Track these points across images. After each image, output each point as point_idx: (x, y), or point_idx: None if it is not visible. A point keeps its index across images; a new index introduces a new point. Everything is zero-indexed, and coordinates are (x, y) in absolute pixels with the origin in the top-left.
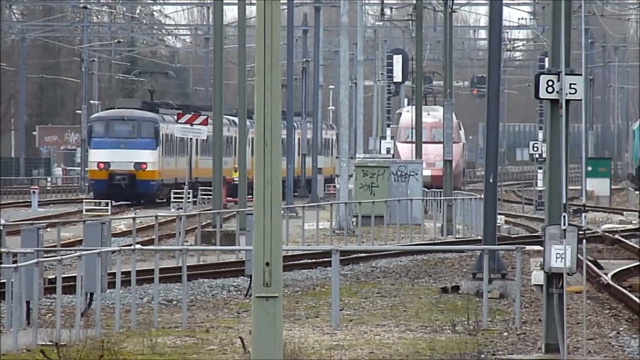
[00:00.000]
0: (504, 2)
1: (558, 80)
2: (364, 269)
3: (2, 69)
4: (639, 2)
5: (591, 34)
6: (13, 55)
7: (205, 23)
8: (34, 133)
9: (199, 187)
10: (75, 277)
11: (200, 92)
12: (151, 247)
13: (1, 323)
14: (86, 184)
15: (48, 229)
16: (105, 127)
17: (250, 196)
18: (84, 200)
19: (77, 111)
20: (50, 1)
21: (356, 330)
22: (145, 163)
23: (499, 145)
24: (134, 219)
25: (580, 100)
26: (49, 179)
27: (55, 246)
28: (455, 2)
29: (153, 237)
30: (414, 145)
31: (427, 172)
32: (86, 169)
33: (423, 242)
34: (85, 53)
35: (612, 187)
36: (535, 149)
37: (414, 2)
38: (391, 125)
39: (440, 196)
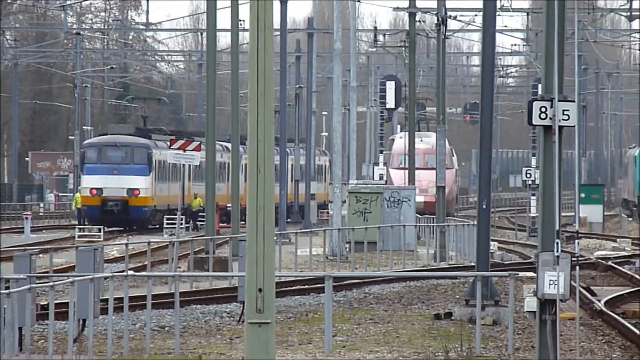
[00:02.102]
0: (496, 28)
1: (551, 107)
2: (356, 295)
3: None
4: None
5: (584, 60)
6: (6, 81)
7: (198, 49)
8: (26, 159)
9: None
10: (67, 303)
11: (194, 118)
12: (144, 273)
13: None
14: (76, 209)
15: (41, 255)
16: (98, 153)
17: (243, 222)
18: (77, 226)
19: (69, 137)
20: (43, 27)
21: (349, 357)
22: (138, 189)
23: (492, 172)
24: (126, 245)
25: (573, 126)
26: (41, 204)
27: (47, 272)
28: (448, 28)
29: (145, 263)
30: (406, 171)
31: (420, 198)
32: (75, 194)
33: (416, 268)
34: (78, 79)
35: (605, 213)
36: (528, 175)
37: (407, 28)
38: (384, 152)
39: (433, 222)
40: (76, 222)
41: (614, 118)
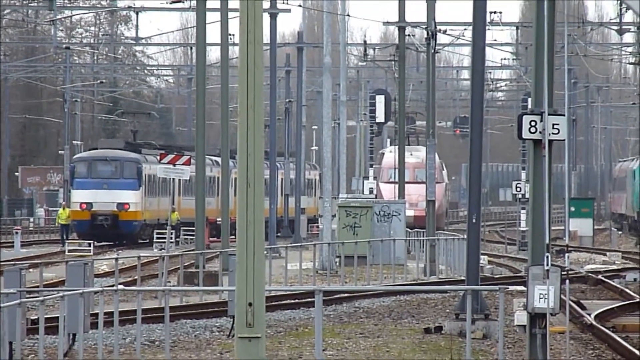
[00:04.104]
0: (486, 42)
1: (541, 121)
2: (347, 310)
3: None
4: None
5: (574, 74)
6: None
7: (188, 63)
8: (16, 174)
9: (182, 228)
10: (57, 317)
11: (183, 132)
12: (134, 287)
13: None
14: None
15: (31, 270)
16: (87, 167)
17: (233, 236)
18: (67, 241)
19: (59, 152)
20: (32, 42)
21: None
22: (127, 203)
23: (482, 186)
24: (116, 259)
25: (563, 140)
26: (31, 219)
27: (37, 287)
28: (437, 42)
29: (136, 277)
30: (396, 185)
31: (409, 212)
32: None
33: (406, 282)
34: (68, 93)
35: (595, 227)
36: (518, 189)
37: (397, 42)
38: (374, 166)
39: (423, 236)
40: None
41: (604, 132)
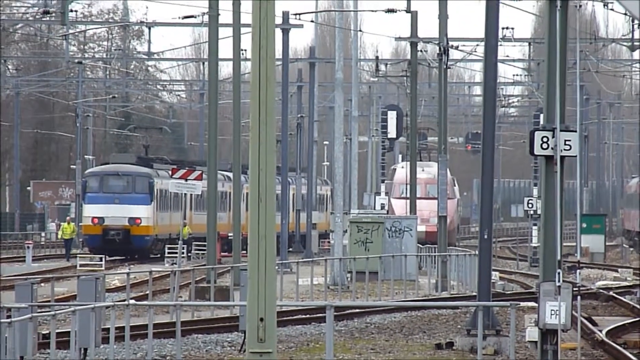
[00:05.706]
0: (498, 58)
1: (553, 137)
2: (358, 325)
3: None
4: None
5: (586, 90)
6: (8, 110)
7: (200, 78)
8: (28, 188)
9: (193, 242)
10: (69, 332)
11: (195, 147)
12: (145, 302)
13: None
14: (81, 239)
15: (42, 284)
16: (99, 182)
17: (245, 251)
18: (78, 255)
19: (71, 166)
20: (45, 56)
21: None
22: (139, 218)
23: (494, 201)
24: (128, 274)
25: (575, 156)
26: (43, 234)
27: (49, 301)
28: (449, 58)
29: (147, 292)
30: (408, 201)
31: (421, 228)
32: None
33: (417, 298)
34: (80, 108)
35: (607, 243)
36: (530, 205)
37: (409, 58)
38: (385, 181)
39: (435, 252)
40: (76, 252)
41: (616, 148)
